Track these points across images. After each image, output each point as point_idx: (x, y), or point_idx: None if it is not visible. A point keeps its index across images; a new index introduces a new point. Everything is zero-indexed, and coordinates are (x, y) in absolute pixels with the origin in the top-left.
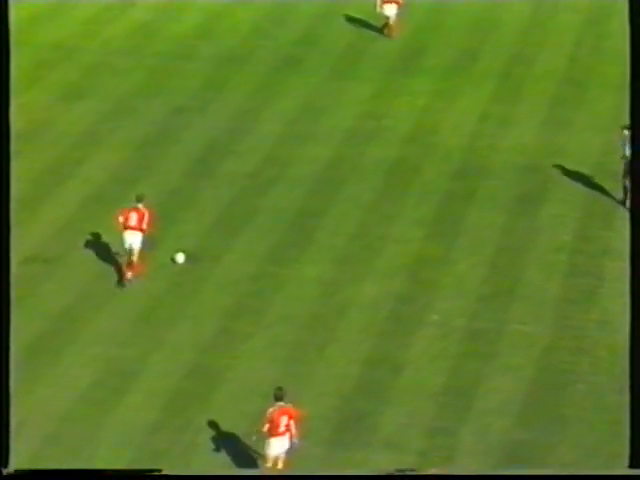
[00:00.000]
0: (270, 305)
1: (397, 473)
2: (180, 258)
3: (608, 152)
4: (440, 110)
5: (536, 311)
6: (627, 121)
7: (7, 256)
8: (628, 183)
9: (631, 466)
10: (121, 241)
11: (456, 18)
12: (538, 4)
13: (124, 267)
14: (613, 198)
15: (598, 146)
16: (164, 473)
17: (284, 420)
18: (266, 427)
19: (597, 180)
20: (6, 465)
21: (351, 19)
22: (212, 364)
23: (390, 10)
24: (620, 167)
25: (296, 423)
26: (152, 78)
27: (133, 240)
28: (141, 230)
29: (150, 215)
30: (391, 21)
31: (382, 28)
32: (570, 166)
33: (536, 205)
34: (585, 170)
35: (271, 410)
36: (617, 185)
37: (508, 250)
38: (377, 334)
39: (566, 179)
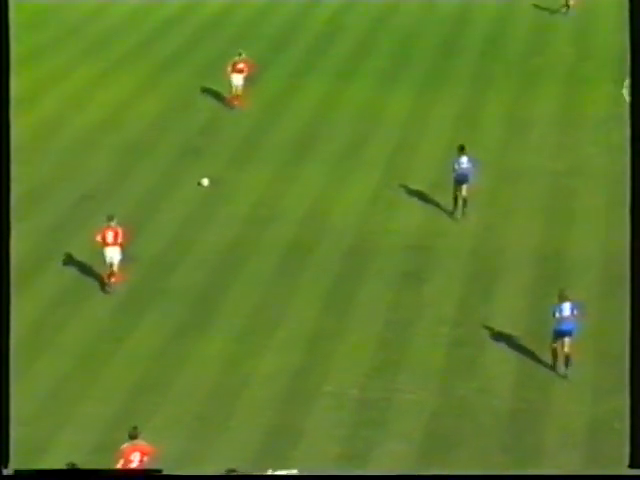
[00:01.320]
0: (174, 381)
1: (397, 473)
2: (205, 182)
3: (485, 231)
4: (332, 194)
5: (423, 380)
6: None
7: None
8: (464, 193)
9: (631, 466)
10: (102, 257)
11: (345, 108)
12: (418, 96)
13: (106, 278)
14: (492, 272)
15: (474, 226)
16: (165, 473)
17: (136, 456)
18: (120, 463)
19: (476, 258)
20: (6, 465)
21: (249, 109)
22: (118, 440)
23: (237, 80)
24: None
25: (149, 459)
26: (59, 168)
27: (113, 254)
28: (119, 245)
29: (123, 231)
30: (238, 91)
31: (231, 99)
32: (451, 245)
33: (421, 281)
34: (465, 249)
35: (124, 447)
36: (497, 262)
37: (396, 323)
38: (277, 405)
39: (448, 257)
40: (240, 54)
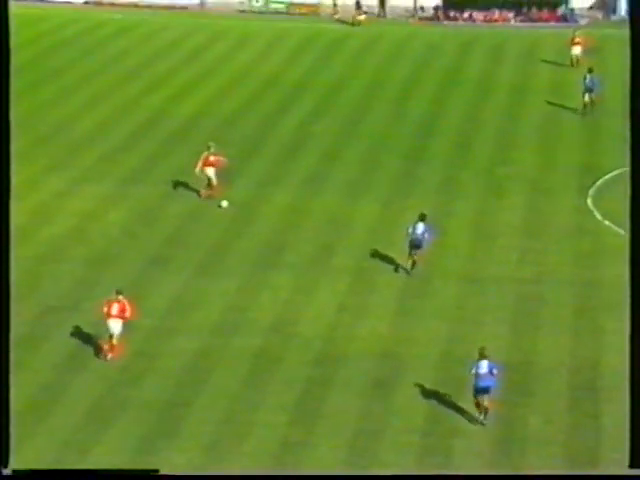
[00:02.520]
0: None
1: (397, 473)
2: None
3: (453, 339)
4: (300, 302)
5: None
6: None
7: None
8: (415, 257)
9: (631, 466)
10: (105, 327)
11: (313, 216)
12: (386, 204)
13: (105, 349)
14: (460, 380)
15: (444, 333)
16: (162, 473)
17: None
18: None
19: (444, 366)
20: (6, 465)
21: (218, 216)
22: None
23: (210, 172)
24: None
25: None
26: (25, 280)
27: (115, 326)
28: (122, 318)
29: (130, 305)
30: (213, 182)
31: (205, 193)
32: (420, 352)
33: (390, 389)
34: (433, 357)
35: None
36: (465, 370)
37: (365, 433)
38: None
39: (417, 364)
40: (209, 148)
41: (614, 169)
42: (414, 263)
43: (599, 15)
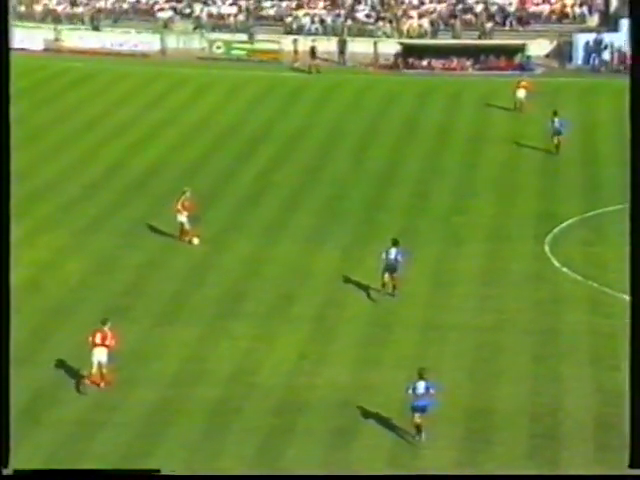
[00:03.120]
0: None
1: (397, 473)
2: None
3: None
4: (260, 352)
5: None
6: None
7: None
8: (393, 280)
9: (631, 466)
10: (92, 357)
11: (273, 265)
12: (346, 252)
13: (87, 379)
14: (421, 428)
15: (404, 381)
16: (163, 473)
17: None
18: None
19: (404, 414)
20: (6, 465)
21: (177, 265)
22: None
23: (182, 217)
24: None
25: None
26: None
27: (101, 355)
28: (106, 347)
29: (112, 334)
30: (186, 227)
31: (180, 236)
32: (380, 401)
33: (351, 438)
34: (394, 405)
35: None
36: (426, 417)
37: None
38: None
39: (377, 413)
40: (185, 192)
41: (571, 217)
42: (394, 287)
43: (555, 64)
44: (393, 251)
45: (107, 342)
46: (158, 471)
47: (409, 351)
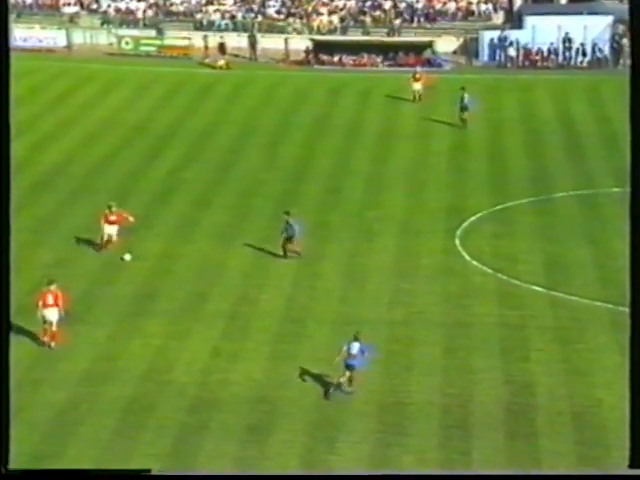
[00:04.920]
0: None
1: (397, 473)
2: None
3: (327, 382)
4: (173, 349)
5: None
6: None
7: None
8: (293, 247)
9: (631, 466)
10: (42, 317)
11: (185, 263)
12: (259, 249)
13: (46, 338)
14: (335, 422)
15: (318, 376)
16: (154, 473)
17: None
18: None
19: (319, 409)
20: (6, 465)
21: (87, 263)
22: None
23: (110, 230)
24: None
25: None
26: None
27: (52, 315)
28: (57, 306)
29: (62, 294)
30: (112, 239)
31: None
32: (294, 396)
33: (265, 434)
34: (309, 400)
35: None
36: (340, 412)
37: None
38: None
39: (292, 408)
40: (110, 207)
41: (480, 210)
42: (286, 250)
43: (462, 60)
44: (291, 221)
45: (58, 302)
46: (149, 471)
47: (323, 346)
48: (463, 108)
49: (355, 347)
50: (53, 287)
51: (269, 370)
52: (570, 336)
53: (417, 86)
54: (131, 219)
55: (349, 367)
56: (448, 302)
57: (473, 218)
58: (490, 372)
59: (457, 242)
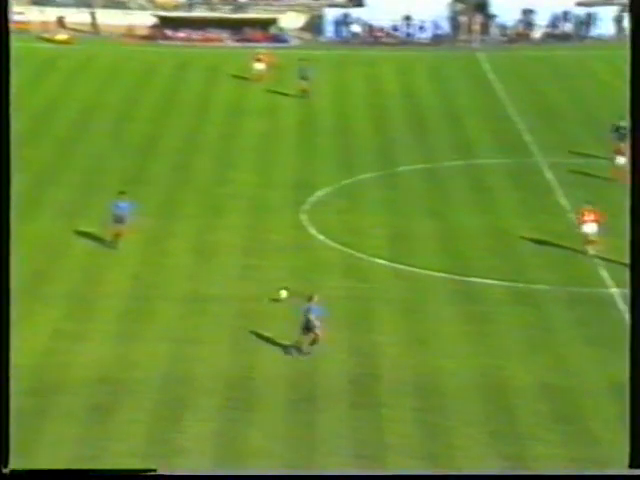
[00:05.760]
0: None
1: (398, 473)
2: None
3: (173, 360)
4: (14, 331)
5: None
6: None
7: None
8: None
9: (631, 466)
10: None
11: (26, 243)
12: (104, 227)
13: None
14: (182, 400)
15: (165, 354)
16: (160, 473)
17: None
18: None
19: (165, 387)
20: (6, 465)
21: None
22: None
23: None
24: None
25: None
26: None
27: None
28: None
29: None
30: None
31: None
32: (140, 375)
33: (110, 414)
34: (153, 379)
35: None
36: (185, 390)
37: (83, 459)
38: None
39: (138, 387)
40: None
41: (326, 186)
42: (120, 236)
43: (309, 36)
44: (120, 204)
45: None
46: (154, 470)
47: (170, 324)
48: (303, 78)
49: (313, 309)
50: None
51: (114, 350)
52: (413, 307)
53: (260, 66)
54: None
55: (310, 328)
56: (296, 276)
57: (321, 193)
58: (336, 344)
59: (305, 217)
